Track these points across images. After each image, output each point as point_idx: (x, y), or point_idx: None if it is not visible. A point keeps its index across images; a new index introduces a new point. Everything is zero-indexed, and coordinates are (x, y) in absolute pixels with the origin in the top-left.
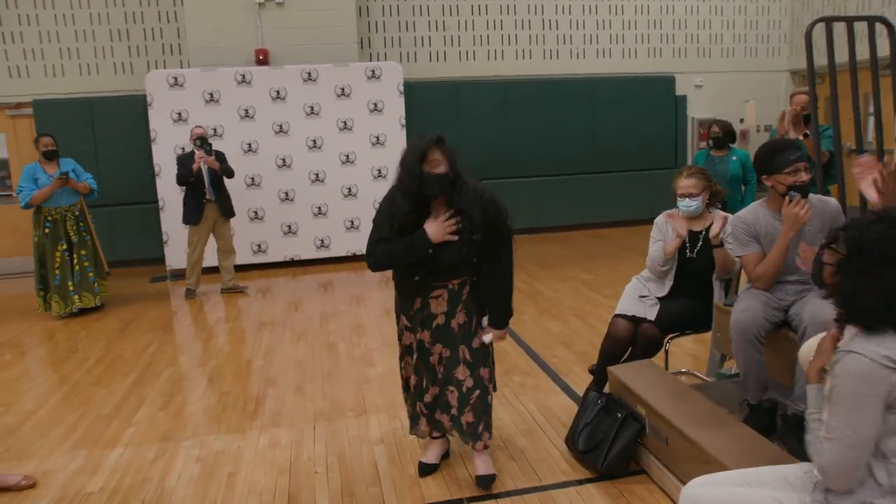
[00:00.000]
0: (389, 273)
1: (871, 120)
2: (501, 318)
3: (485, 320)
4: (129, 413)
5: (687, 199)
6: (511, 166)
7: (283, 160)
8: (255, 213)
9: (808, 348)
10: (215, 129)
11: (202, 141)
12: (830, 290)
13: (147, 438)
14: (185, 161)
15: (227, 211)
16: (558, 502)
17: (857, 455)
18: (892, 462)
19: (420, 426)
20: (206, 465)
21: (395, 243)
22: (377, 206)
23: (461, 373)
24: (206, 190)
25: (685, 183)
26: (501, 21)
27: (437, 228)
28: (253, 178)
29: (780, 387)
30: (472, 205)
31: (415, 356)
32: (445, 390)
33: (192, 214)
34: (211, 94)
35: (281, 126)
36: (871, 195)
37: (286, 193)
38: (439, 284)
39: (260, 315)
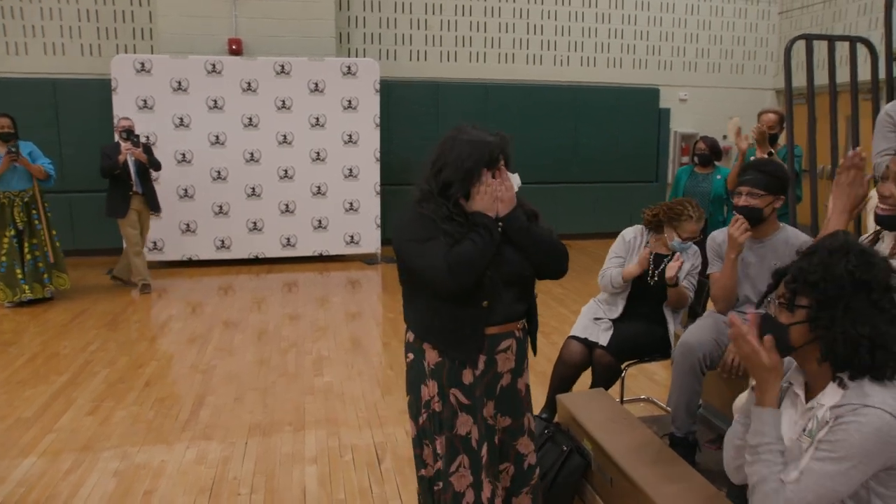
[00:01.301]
0: (358, 275)
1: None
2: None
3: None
4: (53, 418)
5: (689, 242)
6: None
7: (252, 154)
8: (220, 207)
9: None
10: (182, 119)
11: (129, 133)
12: (806, 350)
13: (66, 447)
14: (110, 153)
15: (154, 204)
16: None
17: None
18: None
19: None
20: (122, 480)
21: (457, 247)
22: (340, 207)
23: (524, 445)
24: (133, 182)
25: (693, 227)
26: (485, 23)
27: (480, 199)
28: (219, 172)
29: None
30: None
31: (481, 448)
32: (498, 473)
33: (119, 207)
34: (179, 83)
35: (251, 119)
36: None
37: (253, 189)
38: (506, 332)
39: (215, 314)
